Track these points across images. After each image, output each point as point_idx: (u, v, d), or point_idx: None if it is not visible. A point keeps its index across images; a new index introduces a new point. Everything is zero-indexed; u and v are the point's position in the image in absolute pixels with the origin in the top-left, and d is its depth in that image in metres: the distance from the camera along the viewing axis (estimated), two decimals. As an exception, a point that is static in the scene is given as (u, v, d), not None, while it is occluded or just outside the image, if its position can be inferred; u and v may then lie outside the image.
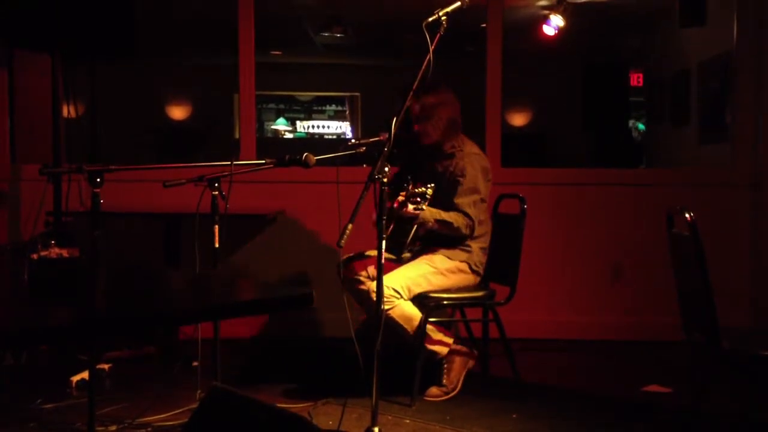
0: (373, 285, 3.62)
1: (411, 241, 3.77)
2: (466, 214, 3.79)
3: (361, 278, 3.86)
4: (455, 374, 3.89)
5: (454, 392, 3.86)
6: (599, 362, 4.71)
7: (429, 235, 3.83)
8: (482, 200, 3.87)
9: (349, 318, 3.39)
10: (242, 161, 3.99)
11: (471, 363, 3.97)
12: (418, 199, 3.47)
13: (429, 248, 3.89)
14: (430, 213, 3.68)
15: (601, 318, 5.08)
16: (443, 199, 3.80)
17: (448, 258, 3.87)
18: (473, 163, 3.85)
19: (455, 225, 3.76)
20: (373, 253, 3.81)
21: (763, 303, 4.98)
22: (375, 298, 3.19)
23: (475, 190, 3.82)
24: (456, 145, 3.91)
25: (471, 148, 3.93)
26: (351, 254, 3.93)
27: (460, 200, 3.80)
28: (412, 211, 3.50)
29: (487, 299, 3.93)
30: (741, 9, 5.16)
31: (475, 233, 3.87)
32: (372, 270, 3.85)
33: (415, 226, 3.68)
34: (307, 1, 8.47)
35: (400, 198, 3.55)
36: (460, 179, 3.82)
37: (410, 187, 3.58)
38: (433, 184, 3.50)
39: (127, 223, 4.69)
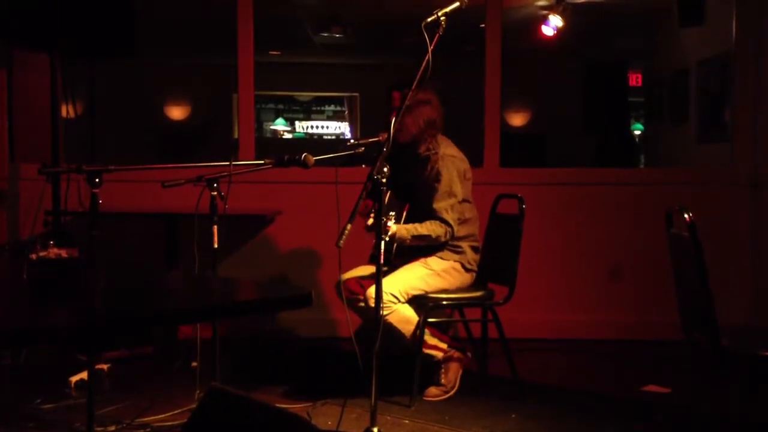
0: (370, 292, 3.63)
1: (396, 255, 3.80)
2: (443, 221, 3.79)
3: (359, 295, 3.85)
4: (453, 374, 3.90)
5: (453, 391, 3.86)
6: (598, 362, 4.71)
7: (413, 247, 3.85)
8: (462, 201, 3.87)
9: (348, 318, 3.40)
10: (241, 161, 4.00)
11: (465, 363, 3.98)
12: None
13: (420, 254, 3.89)
14: (406, 231, 3.75)
15: (601, 317, 5.08)
16: (424, 205, 3.81)
17: (442, 259, 3.88)
18: (447, 165, 3.83)
19: (433, 236, 3.79)
20: (365, 271, 3.86)
21: (762, 302, 4.98)
22: (373, 303, 3.18)
23: (450, 194, 3.82)
24: (431, 148, 3.89)
25: (446, 149, 3.89)
26: (347, 273, 3.92)
27: (437, 205, 3.80)
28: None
29: (486, 299, 3.93)
30: (740, 8, 5.16)
31: (462, 233, 3.88)
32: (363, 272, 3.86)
33: (394, 243, 3.72)
34: (307, 1, 8.47)
35: (369, 221, 3.62)
36: (436, 184, 3.81)
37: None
38: (393, 213, 3.60)
39: (126, 224, 4.68)
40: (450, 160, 3.86)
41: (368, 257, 4.04)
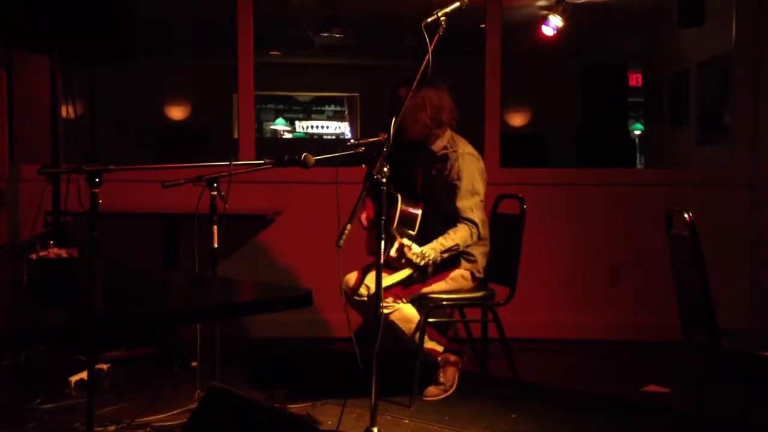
0: (372, 291, 3.62)
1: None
2: (468, 220, 3.75)
3: (360, 291, 3.83)
4: (451, 372, 3.90)
5: (452, 390, 3.86)
6: (598, 362, 4.71)
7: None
8: (481, 201, 3.86)
9: (348, 319, 3.39)
10: (241, 161, 4.00)
11: (461, 366, 3.98)
12: (419, 263, 3.48)
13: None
14: (433, 251, 3.60)
15: (601, 318, 5.08)
16: (440, 204, 3.79)
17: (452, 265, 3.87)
18: (468, 164, 3.80)
19: (462, 243, 3.72)
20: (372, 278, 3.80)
21: (762, 303, 4.98)
22: (374, 301, 3.18)
23: (474, 192, 3.79)
24: (449, 146, 3.86)
25: (464, 147, 3.87)
26: (352, 274, 3.91)
27: (461, 204, 3.75)
28: (415, 269, 3.52)
29: (487, 300, 3.93)
30: (740, 10, 5.16)
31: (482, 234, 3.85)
32: (372, 280, 3.83)
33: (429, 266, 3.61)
34: (307, 1, 8.48)
35: (393, 252, 3.48)
36: (458, 183, 3.77)
37: (400, 242, 3.50)
38: (428, 255, 3.50)
39: (126, 224, 4.68)
40: (470, 159, 3.82)
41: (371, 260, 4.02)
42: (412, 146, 3.87)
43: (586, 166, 8.33)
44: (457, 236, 3.71)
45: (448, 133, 3.91)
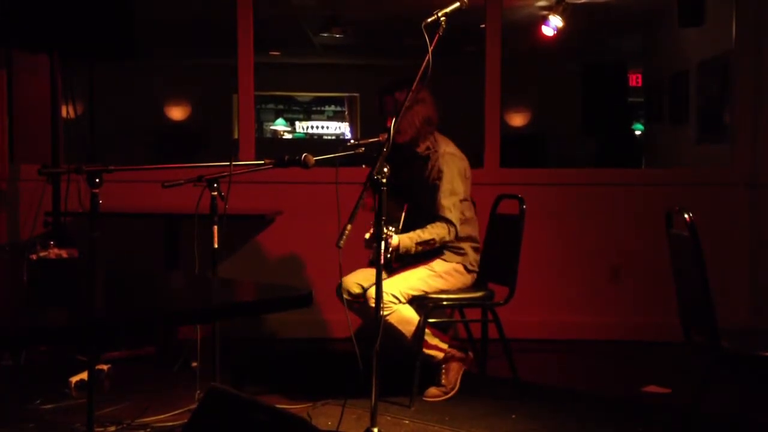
0: (370, 292, 3.62)
1: (396, 259, 3.77)
2: (446, 219, 3.77)
3: (359, 298, 3.83)
4: (453, 374, 3.89)
5: (453, 392, 3.86)
6: (598, 363, 4.71)
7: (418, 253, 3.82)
8: (463, 200, 3.86)
9: (348, 319, 3.40)
10: (241, 162, 4.00)
11: (466, 365, 3.98)
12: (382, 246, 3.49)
13: (423, 258, 3.88)
14: (409, 239, 3.71)
15: (600, 318, 5.08)
16: (424, 204, 3.81)
17: (444, 260, 3.87)
18: (448, 163, 3.83)
19: (437, 239, 3.77)
20: (365, 277, 3.82)
21: (762, 303, 4.98)
22: (373, 304, 3.17)
23: (453, 192, 3.81)
24: (431, 147, 3.89)
25: (446, 147, 3.89)
26: (347, 276, 3.91)
27: (440, 203, 3.79)
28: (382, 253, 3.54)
29: (486, 300, 3.93)
30: (740, 9, 5.16)
31: (464, 233, 3.87)
32: (365, 278, 3.84)
33: (394, 253, 3.66)
34: (306, 1, 8.48)
35: (367, 235, 3.60)
36: (438, 182, 3.81)
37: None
38: (393, 229, 3.60)
39: (126, 224, 4.68)
40: (450, 158, 3.85)
41: (367, 260, 4.02)
42: (398, 147, 3.88)
43: (591, 166, 8.32)
44: (434, 231, 3.76)
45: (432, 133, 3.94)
